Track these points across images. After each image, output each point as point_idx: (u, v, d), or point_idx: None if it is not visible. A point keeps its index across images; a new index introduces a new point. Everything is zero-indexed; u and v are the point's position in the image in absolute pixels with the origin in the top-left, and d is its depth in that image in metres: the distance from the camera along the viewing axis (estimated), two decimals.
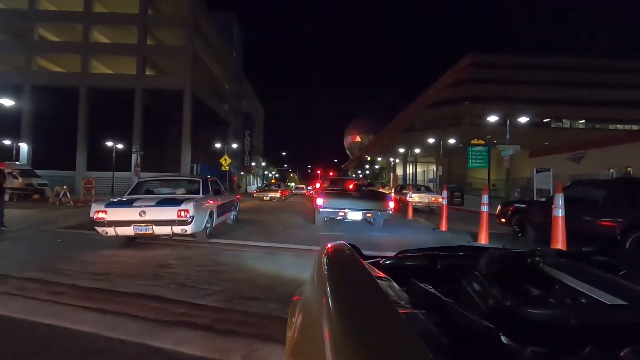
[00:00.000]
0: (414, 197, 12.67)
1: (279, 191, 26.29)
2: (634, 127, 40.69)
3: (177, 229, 5.07)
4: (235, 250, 4.91)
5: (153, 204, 5.25)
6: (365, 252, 1.16)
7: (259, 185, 56.60)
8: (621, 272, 1.02)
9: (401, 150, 39.65)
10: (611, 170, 18.30)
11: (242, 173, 51.66)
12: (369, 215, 7.73)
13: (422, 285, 0.94)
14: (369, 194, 8.51)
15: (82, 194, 15.80)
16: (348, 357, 0.47)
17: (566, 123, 42.79)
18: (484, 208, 5.69)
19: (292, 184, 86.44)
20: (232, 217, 8.33)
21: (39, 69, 27.58)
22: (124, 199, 5.65)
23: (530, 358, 0.57)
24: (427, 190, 15.93)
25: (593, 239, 5.22)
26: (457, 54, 55.58)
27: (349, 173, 73.19)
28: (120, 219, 5.09)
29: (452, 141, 32.17)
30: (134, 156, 21.94)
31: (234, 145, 40.29)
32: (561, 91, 39.31)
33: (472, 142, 17.25)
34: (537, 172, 17.07)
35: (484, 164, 16.61)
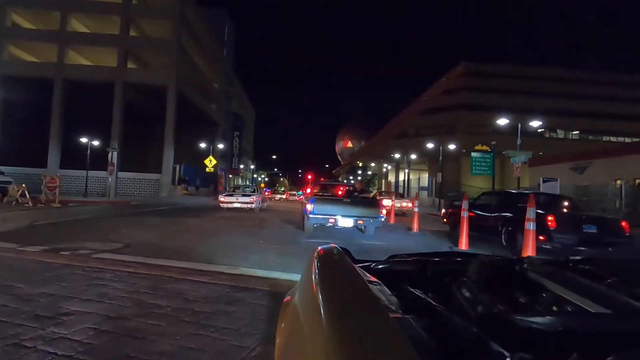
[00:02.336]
0: (389, 202, 14.68)
1: (286, 193, 47.59)
2: (627, 140, 40.88)
3: (249, 206, 14.02)
4: (181, 280, 3.40)
5: (240, 195, 14.53)
6: None
7: None
8: (606, 282, 1.03)
9: (394, 156, 38.67)
10: (619, 182, 17.35)
11: (230, 176, 49.88)
12: (360, 222, 7.57)
13: (412, 290, 0.95)
14: (360, 200, 8.28)
15: (43, 194, 14.01)
16: None
17: (560, 134, 42.63)
18: (530, 226, 4.31)
19: (282, 189, 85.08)
20: (265, 205, 17.56)
21: (11, 57, 25.62)
22: (229, 193, 15.18)
23: None
24: (401, 196, 19.88)
25: (489, 230, 7.23)
26: (452, 62, 55.31)
27: (340, 179, 71.97)
28: (228, 200, 14.18)
29: (445, 149, 31.29)
30: (109, 155, 20.13)
31: (222, 146, 38.59)
32: (555, 102, 39.10)
33: (476, 147, 16.05)
34: (544, 181, 16.03)
35: (489, 172, 15.44)
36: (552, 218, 5.83)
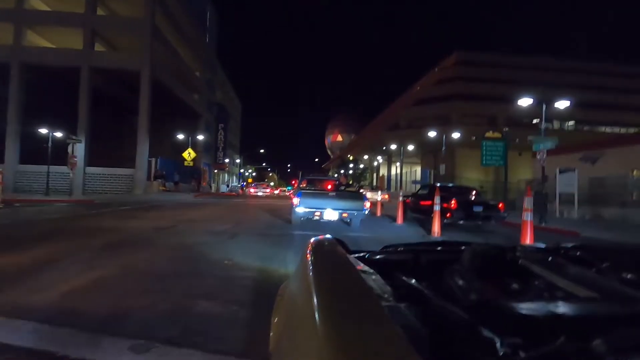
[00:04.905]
0: (368, 195, 15.88)
1: (278, 189, 58.23)
2: (622, 130, 40.42)
3: (267, 194, 37.93)
4: None
5: (262, 188, 40.27)
6: None
7: (234, 184, 52.38)
8: (596, 268, 1.07)
9: (390, 148, 37.03)
10: (636, 172, 15.90)
11: (215, 171, 47.42)
12: (345, 215, 7.73)
13: (405, 279, 0.97)
14: (345, 193, 8.43)
15: None
16: (331, 350, 0.49)
17: (556, 124, 41.68)
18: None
19: (272, 184, 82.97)
20: (275, 193, 45.04)
21: None
22: (255, 187, 42.17)
23: (506, 348, 0.59)
24: (379, 189, 23.69)
25: (425, 212, 9.24)
26: (444, 52, 54.15)
27: (330, 173, 70.14)
28: (255, 191, 38.75)
29: (440, 140, 29.67)
30: (70, 147, 17.67)
31: (206, 140, 36.16)
32: (549, 92, 37.97)
33: (487, 135, 14.27)
34: (561, 172, 14.39)
35: (501, 161, 13.68)
36: (454, 202, 8.50)
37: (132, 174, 22.87)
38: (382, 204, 13.71)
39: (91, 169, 22.65)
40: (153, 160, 24.08)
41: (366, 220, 9.54)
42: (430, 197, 9.71)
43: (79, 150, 21.96)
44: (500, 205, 9.13)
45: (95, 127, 22.79)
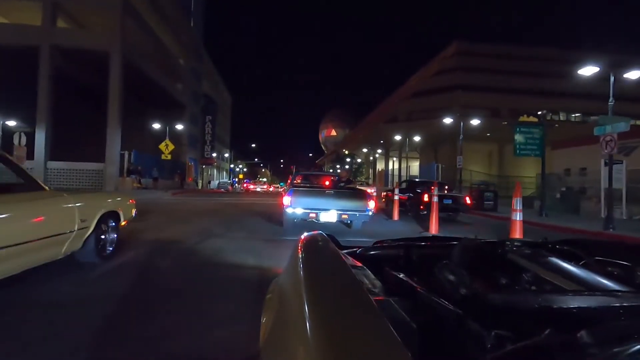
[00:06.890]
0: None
1: (272, 185, 65.45)
2: (632, 122, 38.60)
3: (264, 190, 47.13)
4: None
5: (260, 185, 55.61)
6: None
7: (224, 180, 49.53)
8: (583, 262, 1.10)
9: (388, 140, 34.65)
10: None
11: (203, 166, 44.56)
12: (345, 216, 6.78)
13: (395, 273, 0.96)
14: (345, 191, 7.28)
15: None
16: (320, 344, 0.49)
17: (562, 116, 39.65)
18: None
19: (265, 180, 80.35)
20: (271, 189, 52.31)
21: None
22: (253, 183, 55.97)
23: (494, 341, 0.60)
24: (367, 185, 24.83)
25: (403, 205, 10.70)
26: (441, 45, 52.22)
27: (324, 169, 67.67)
28: (254, 186, 49.64)
29: (441, 132, 27.35)
30: (15, 137, 14.79)
31: (191, 133, 33.32)
32: (555, 83, 35.99)
33: (521, 119, 11.87)
34: (606, 164, 12.08)
35: (537, 152, 11.34)
36: (427, 196, 9.58)
37: (102, 169, 20.10)
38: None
39: (54, 164, 19.84)
40: (126, 153, 21.25)
41: (383, 226, 8.21)
42: (408, 190, 11.21)
43: (38, 141, 19.18)
44: (467, 198, 10.68)
45: (60, 117, 19.91)
